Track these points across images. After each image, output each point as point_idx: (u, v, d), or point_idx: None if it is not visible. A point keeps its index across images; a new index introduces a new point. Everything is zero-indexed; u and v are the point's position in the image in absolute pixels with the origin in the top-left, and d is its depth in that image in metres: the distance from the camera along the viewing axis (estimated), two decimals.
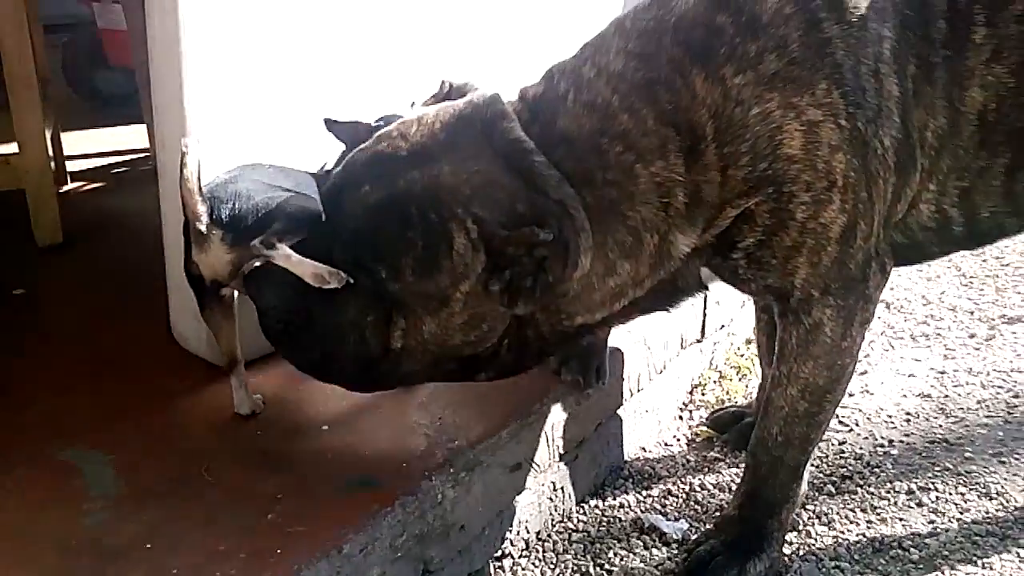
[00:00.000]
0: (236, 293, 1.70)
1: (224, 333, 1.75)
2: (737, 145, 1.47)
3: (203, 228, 1.57)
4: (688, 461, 2.19)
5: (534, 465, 1.87)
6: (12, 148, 2.81)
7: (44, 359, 2.10)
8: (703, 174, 1.49)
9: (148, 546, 1.46)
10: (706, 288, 1.68)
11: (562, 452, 1.95)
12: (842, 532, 1.92)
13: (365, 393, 1.74)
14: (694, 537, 1.85)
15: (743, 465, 1.81)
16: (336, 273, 1.50)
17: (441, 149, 1.49)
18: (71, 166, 3.63)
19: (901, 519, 1.96)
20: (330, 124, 1.74)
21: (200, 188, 1.57)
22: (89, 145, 4.08)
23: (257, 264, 1.59)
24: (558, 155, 1.48)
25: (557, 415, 1.92)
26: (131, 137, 4.13)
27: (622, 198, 1.48)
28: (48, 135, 2.91)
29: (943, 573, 1.80)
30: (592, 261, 1.48)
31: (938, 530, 1.91)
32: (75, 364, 2.07)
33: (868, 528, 1.93)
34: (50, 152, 2.93)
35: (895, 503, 2.01)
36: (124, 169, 3.88)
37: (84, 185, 3.59)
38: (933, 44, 1.53)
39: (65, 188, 3.45)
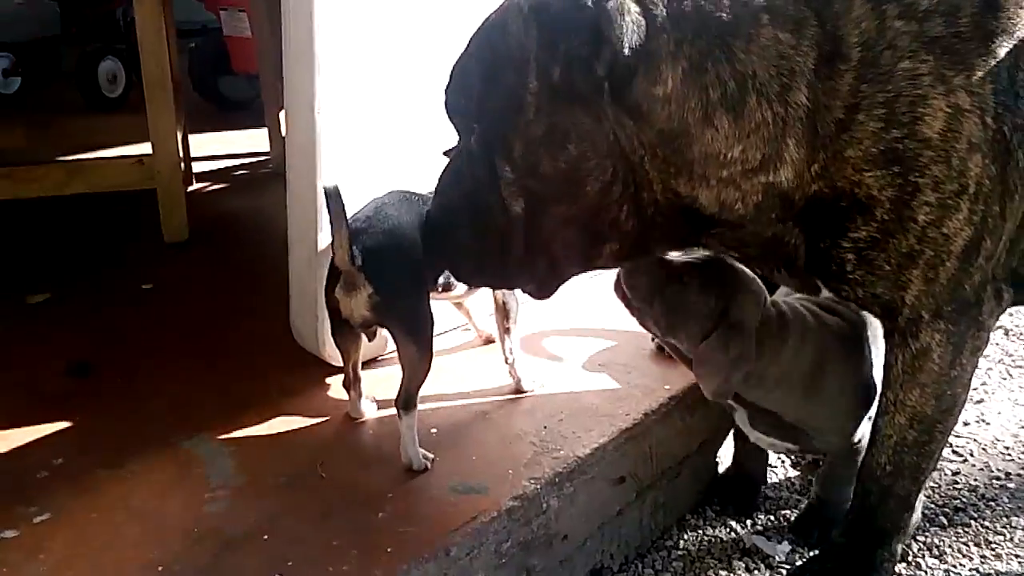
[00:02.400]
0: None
1: (350, 355, 1.82)
2: (875, 90, 1.38)
3: (355, 281, 1.64)
4: (793, 483, 2.15)
5: (637, 479, 1.87)
6: (145, 148, 2.96)
7: (170, 352, 2.21)
8: (829, 96, 1.39)
9: (265, 537, 1.52)
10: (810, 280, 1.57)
11: (666, 468, 1.95)
12: (954, 566, 1.86)
13: (529, 288, 1.65)
14: (799, 563, 1.83)
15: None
16: (423, 460, 1.69)
17: None
18: (196, 167, 3.80)
19: (1017, 556, 1.89)
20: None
21: (349, 235, 1.61)
22: (213, 147, 4.26)
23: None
24: None
25: (662, 430, 1.92)
26: (252, 140, 4.30)
27: (736, 31, 1.38)
28: (179, 137, 3.05)
29: None
30: (687, 87, 1.38)
31: None
32: (199, 358, 2.17)
33: (982, 563, 1.87)
34: (180, 153, 3.07)
35: (1011, 539, 1.94)
36: (245, 172, 4.05)
37: (208, 185, 3.77)
38: None
39: (191, 188, 3.62)
